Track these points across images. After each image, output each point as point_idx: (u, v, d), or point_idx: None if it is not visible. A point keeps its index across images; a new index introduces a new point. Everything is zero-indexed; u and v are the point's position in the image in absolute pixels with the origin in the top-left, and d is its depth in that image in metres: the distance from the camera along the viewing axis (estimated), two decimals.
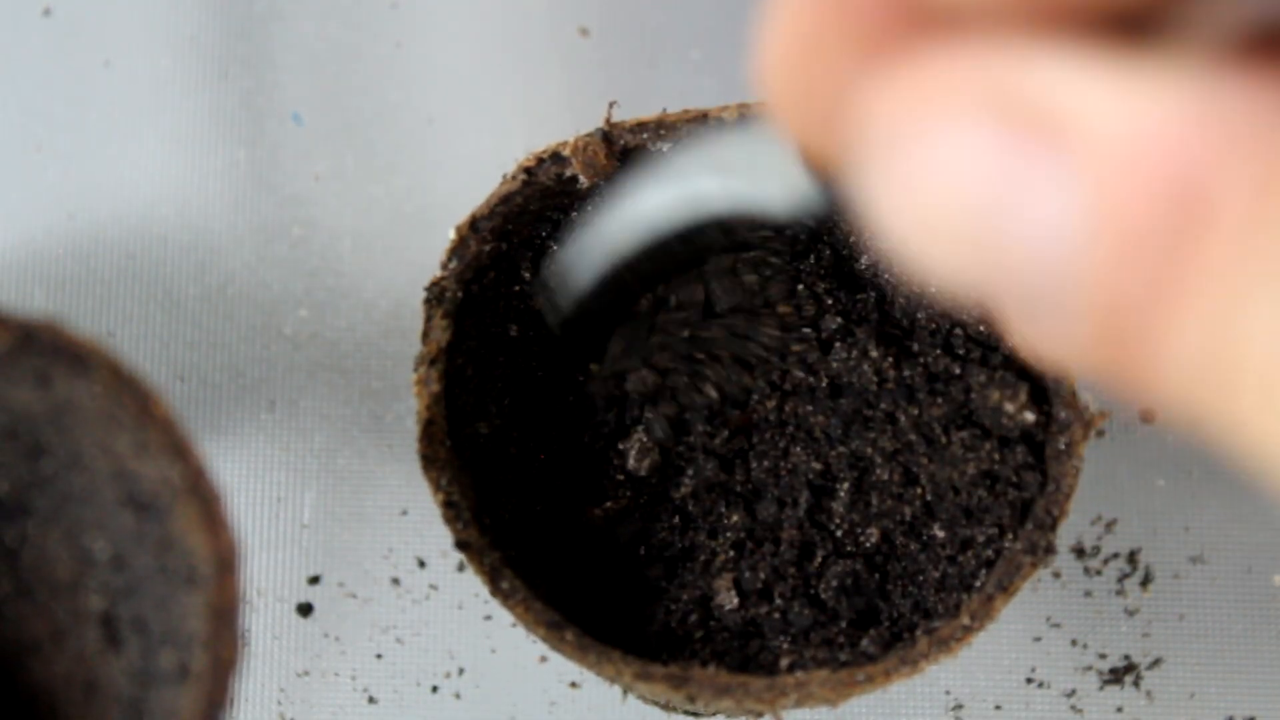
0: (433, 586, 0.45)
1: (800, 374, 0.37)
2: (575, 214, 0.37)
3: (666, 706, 0.38)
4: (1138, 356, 0.14)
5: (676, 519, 0.37)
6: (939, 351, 0.36)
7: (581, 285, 0.28)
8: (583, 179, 0.36)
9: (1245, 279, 0.13)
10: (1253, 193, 0.13)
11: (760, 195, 0.22)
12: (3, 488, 0.31)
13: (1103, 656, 0.44)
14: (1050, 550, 0.34)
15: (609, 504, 0.37)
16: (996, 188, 0.14)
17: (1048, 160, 0.13)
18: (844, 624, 0.35)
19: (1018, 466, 0.35)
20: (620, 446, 0.37)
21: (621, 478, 0.37)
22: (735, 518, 0.37)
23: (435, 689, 0.44)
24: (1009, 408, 0.35)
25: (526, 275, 0.38)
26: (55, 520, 0.30)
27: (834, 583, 0.35)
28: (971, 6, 0.14)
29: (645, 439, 0.37)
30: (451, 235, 0.36)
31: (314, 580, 0.45)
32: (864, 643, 0.34)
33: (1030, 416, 0.35)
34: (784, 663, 0.34)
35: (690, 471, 0.37)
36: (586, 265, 0.28)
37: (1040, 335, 0.14)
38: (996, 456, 0.35)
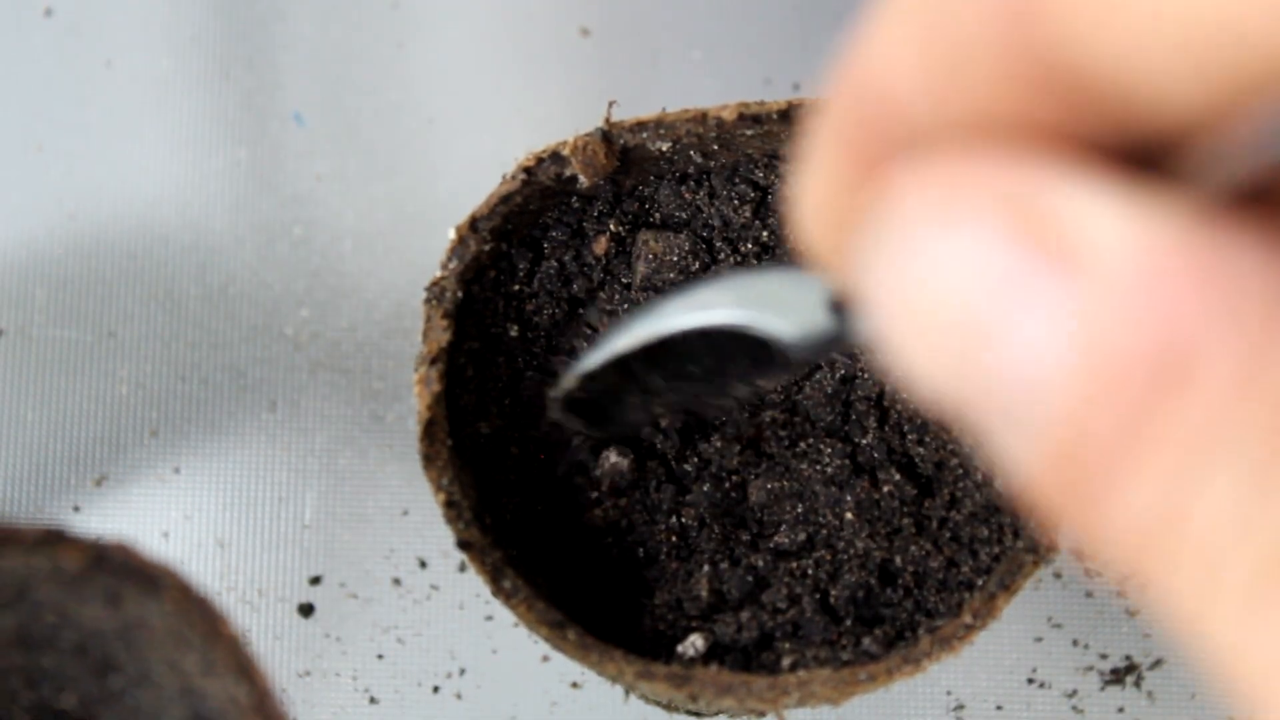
0: (434, 587, 0.45)
1: (807, 389, 0.37)
2: (574, 213, 0.37)
3: (668, 706, 0.38)
4: (1089, 499, 0.13)
5: (676, 520, 0.37)
6: None
7: (583, 373, 0.29)
8: (582, 179, 0.36)
9: (1209, 449, 0.12)
10: (1236, 366, 0.12)
11: (774, 323, 0.23)
12: (71, 702, 0.31)
13: (1104, 657, 0.44)
14: (1053, 549, 0.34)
15: (609, 504, 0.37)
16: (993, 291, 0.13)
17: (1048, 278, 0.13)
18: (847, 623, 0.35)
19: None
20: (593, 469, 0.37)
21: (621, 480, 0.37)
22: (737, 519, 0.37)
23: (436, 689, 0.44)
24: None
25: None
26: None
27: (845, 593, 0.35)
28: (963, 126, 0.14)
29: (614, 458, 0.37)
30: (451, 235, 0.36)
31: (315, 580, 0.45)
32: (866, 642, 0.34)
33: None
34: (786, 662, 0.34)
35: (694, 475, 0.37)
36: (592, 359, 0.29)
37: (1003, 452, 0.14)
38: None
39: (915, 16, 0.14)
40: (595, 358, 0.29)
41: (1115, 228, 0.13)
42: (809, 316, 0.22)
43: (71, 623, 0.30)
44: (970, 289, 0.13)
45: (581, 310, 0.38)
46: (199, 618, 0.29)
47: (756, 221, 0.37)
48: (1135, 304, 0.13)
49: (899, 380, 0.15)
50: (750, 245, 0.37)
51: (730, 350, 0.26)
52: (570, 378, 0.30)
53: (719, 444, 0.37)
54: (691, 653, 0.35)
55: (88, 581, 0.29)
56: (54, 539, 0.29)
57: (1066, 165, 0.14)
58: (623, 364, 0.28)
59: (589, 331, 0.38)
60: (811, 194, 0.16)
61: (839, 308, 0.21)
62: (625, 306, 0.38)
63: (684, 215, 0.38)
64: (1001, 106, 0.14)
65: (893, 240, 0.14)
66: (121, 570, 0.29)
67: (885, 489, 0.36)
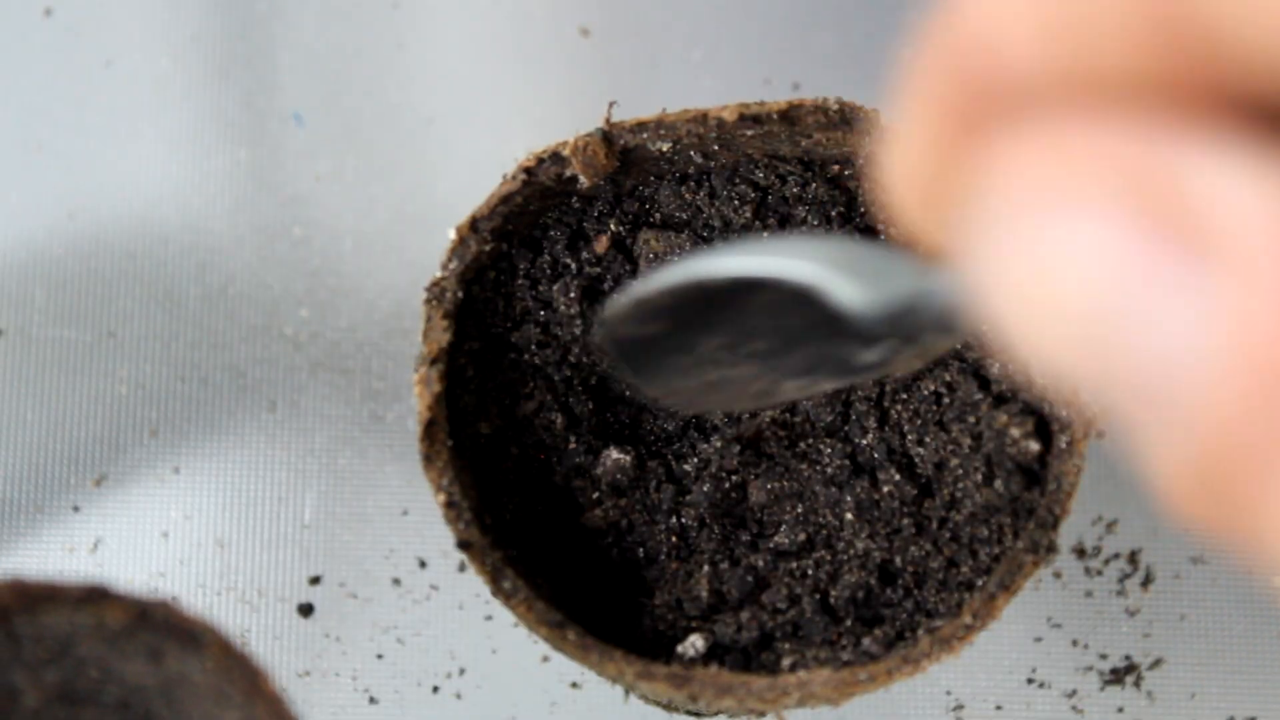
0: (434, 586, 0.45)
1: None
2: (576, 213, 0.37)
3: (668, 706, 0.38)
4: (1242, 499, 0.12)
5: (676, 520, 0.37)
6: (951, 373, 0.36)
7: (636, 299, 0.27)
8: (583, 179, 0.36)
9: None
10: None
11: (844, 286, 0.21)
12: None
13: (1104, 657, 0.44)
14: (1052, 549, 0.34)
15: (609, 504, 0.37)
16: (1126, 283, 0.12)
17: (1190, 266, 0.12)
18: (847, 624, 0.35)
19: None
20: (594, 468, 0.37)
21: (621, 480, 0.37)
22: (737, 519, 0.37)
23: (436, 689, 0.44)
24: (1014, 433, 0.35)
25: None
26: None
27: (845, 593, 0.35)
28: (1079, 86, 0.13)
29: (615, 455, 0.37)
30: (452, 235, 0.36)
31: (315, 580, 0.45)
32: (866, 642, 0.34)
33: (1035, 446, 0.35)
34: (786, 662, 0.34)
35: (694, 475, 0.37)
36: (647, 285, 0.26)
37: (1145, 443, 0.13)
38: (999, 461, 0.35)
39: None
40: (650, 284, 0.26)
41: (1254, 203, 0.12)
42: (884, 286, 0.20)
43: (114, 678, 0.31)
44: (1101, 279, 0.12)
45: (582, 310, 0.38)
46: (240, 674, 0.29)
47: (757, 222, 0.37)
48: None
49: (1017, 359, 0.14)
50: None
51: (792, 326, 0.24)
52: (621, 301, 0.28)
53: (719, 444, 0.37)
54: (691, 653, 0.35)
55: (130, 638, 0.30)
56: (98, 596, 0.29)
57: (1197, 131, 0.12)
58: (677, 311, 0.26)
59: (593, 331, 0.38)
60: (905, 159, 0.15)
61: (922, 285, 0.19)
62: None
63: (684, 216, 0.38)
64: (1124, 62, 0.13)
65: (1007, 221, 0.13)
66: (163, 627, 0.30)
67: (885, 489, 0.36)
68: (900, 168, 0.15)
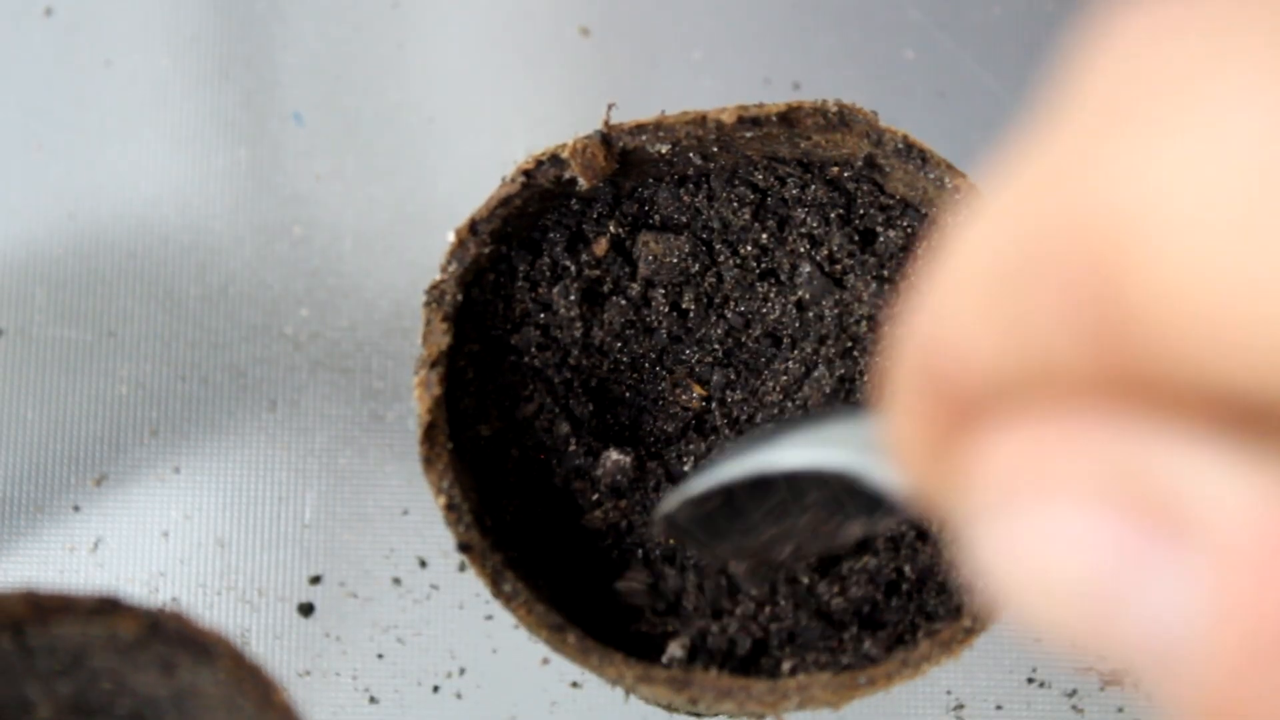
0: (434, 586, 0.45)
1: (806, 388, 0.37)
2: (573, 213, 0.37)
3: (669, 708, 0.38)
4: None
5: None
6: None
7: (689, 497, 0.29)
8: (582, 181, 0.36)
9: None
10: None
11: (886, 472, 0.22)
12: None
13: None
14: None
15: (609, 506, 0.37)
16: (1114, 568, 0.13)
17: (1171, 552, 0.13)
18: (849, 629, 0.35)
19: None
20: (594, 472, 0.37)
21: (620, 481, 0.37)
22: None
23: (436, 689, 0.45)
24: None
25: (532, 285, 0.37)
26: None
27: (850, 598, 0.35)
28: (1046, 386, 0.14)
29: (616, 456, 0.37)
30: (451, 237, 0.36)
31: (315, 580, 0.45)
32: (866, 645, 0.34)
33: None
34: (786, 666, 0.34)
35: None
36: (698, 483, 0.28)
37: (1159, 693, 0.14)
38: None
39: (981, 291, 0.14)
40: (701, 482, 0.28)
41: (1222, 488, 0.13)
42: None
43: (127, 690, 0.31)
44: (1086, 562, 0.13)
45: (582, 313, 0.38)
46: (251, 685, 0.30)
47: (756, 224, 0.37)
48: (1264, 576, 0.12)
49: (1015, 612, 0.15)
50: (750, 248, 0.37)
51: (836, 497, 0.26)
52: (675, 499, 0.30)
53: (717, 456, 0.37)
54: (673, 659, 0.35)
55: (143, 649, 0.30)
56: (109, 607, 0.29)
57: (1159, 420, 0.13)
58: (728, 492, 0.28)
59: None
60: (902, 430, 0.16)
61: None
62: (629, 309, 0.38)
63: (683, 218, 0.38)
64: (1072, 361, 0.13)
65: (996, 514, 0.14)
66: (175, 638, 0.30)
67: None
68: (899, 434, 0.16)
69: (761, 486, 0.27)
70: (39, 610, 0.29)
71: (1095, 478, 0.13)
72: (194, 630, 0.29)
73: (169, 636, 0.30)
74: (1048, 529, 0.13)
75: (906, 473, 0.16)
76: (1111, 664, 0.14)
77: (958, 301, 0.14)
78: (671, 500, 0.30)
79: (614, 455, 0.37)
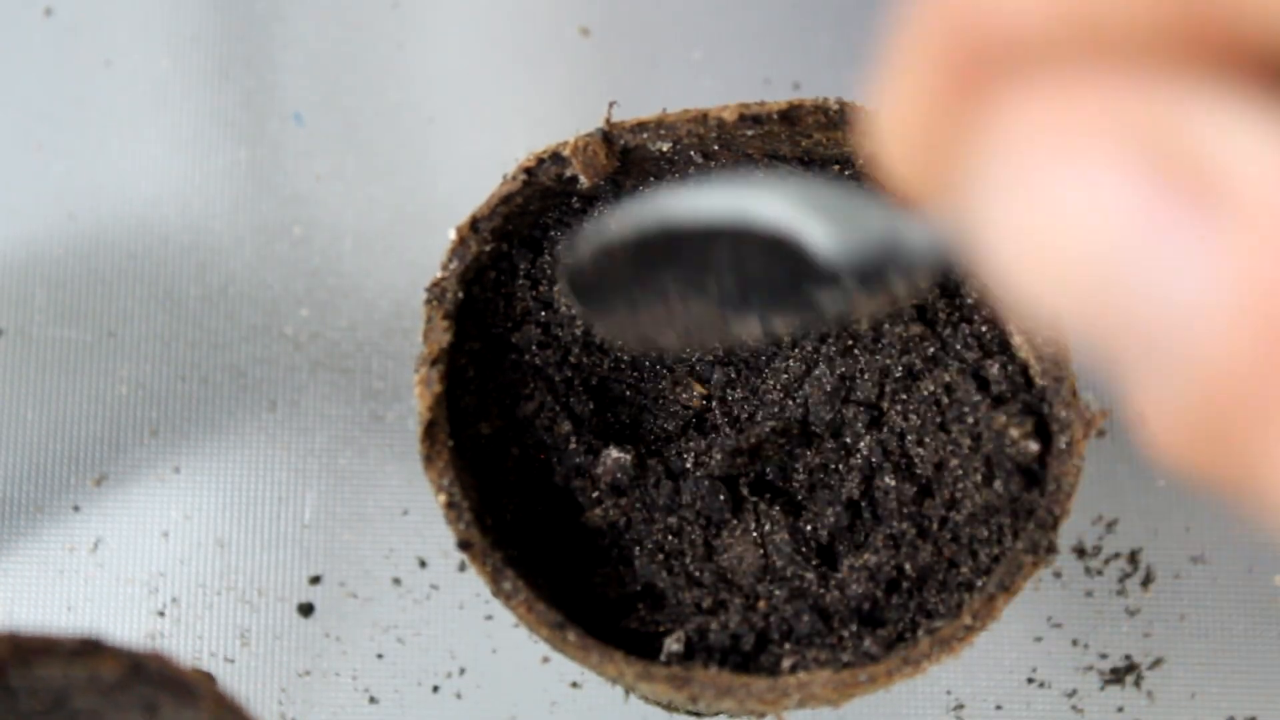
0: (434, 586, 0.45)
1: (807, 386, 0.37)
2: (587, 216, 0.37)
3: (669, 707, 0.38)
4: (1241, 446, 0.12)
5: (675, 520, 0.37)
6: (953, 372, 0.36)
7: (600, 243, 0.27)
8: (583, 179, 0.36)
9: None
10: None
11: (817, 229, 0.21)
12: None
13: (1104, 656, 0.44)
14: (1052, 549, 0.34)
15: (609, 504, 0.37)
16: (1134, 234, 0.12)
17: (1198, 218, 0.12)
18: (850, 627, 0.35)
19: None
20: (594, 468, 0.37)
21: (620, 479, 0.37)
22: (739, 523, 0.37)
23: (436, 689, 0.44)
24: (1014, 434, 0.35)
25: (527, 268, 0.37)
26: None
27: (850, 596, 0.35)
28: (1082, 41, 0.13)
29: (616, 454, 0.37)
30: (452, 235, 0.36)
31: (315, 580, 0.45)
32: (866, 643, 0.34)
33: (1034, 447, 0.34)
34: (786, 664, 0.34)
35: (692, 480, 0.37)
36: (611, 227, 0.26)
37: (1143, 394, 0.13)
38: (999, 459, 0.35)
39: None
40: (614, 226, 0.26)
41: (1257, 154, 0.12)
42: (858, 229, 0.20)
43: None
44: (1105, 227, 0.12)
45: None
46: None
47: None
48: None
49: (1009, 304, 0.14)
50: None
51: (758, 266, 0.23)
52: (585, 243, 0.27)
53: (718, 456, 0.37)
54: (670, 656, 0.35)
55: (125, 690, 0.30)
56: (91, 649, 0.29)
57: (1199, 83, 0.12)
58: (641, 248, 0.25)
59: (596, 338, 0.38)
60: (898, 114, 0.15)
61: (898, 228, 0.19)
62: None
63: None
64: (1128, 16, 0.13)
65: (1011, 171, 0.13)
66: (158, 679, 0.29)
67: (884, 490, 0.36)
68: (893, 125, 0.15)
69: (677, 246, 0.25)
70: (20, 651, 0.29)
71: (1124, 137, 0.12)
72: (176, 671, 0.29)
73: (151, 677, 0.29)
74: (1065, 190, 0.13)
75: (895, 159, 0.15)
76: (1109, 348, 0.13)
77: None
78: (581, 243, 0.27)
79: (614, 453, 0.37)
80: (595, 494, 0.37)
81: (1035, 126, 0.13)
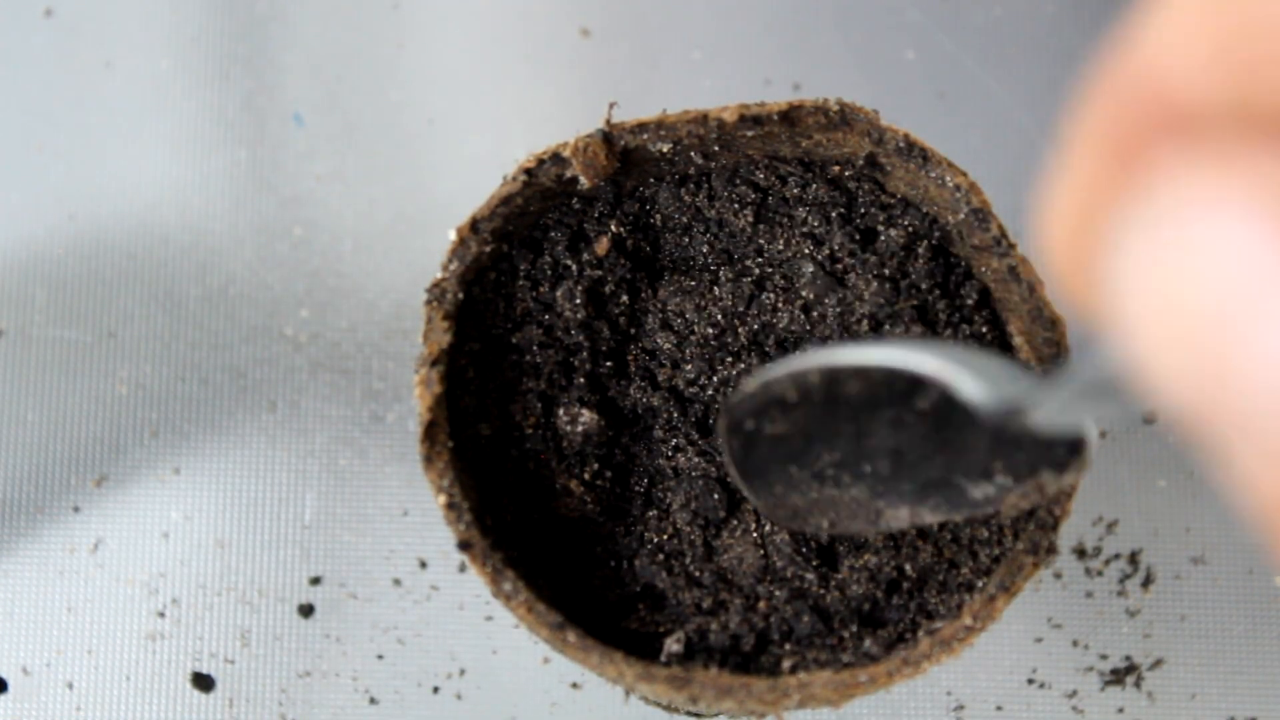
0: (434, 587, 0.45)
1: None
2: (575, 214, 0.37)
3: (669, 707, 0.38)
4: None
5: (675, 520, 0.37)
6: None
7: (764, 382, 0.28)
8: (583, 180, 0.36)
9: None
10: None
11: (969, 381, 0.22)
12: None
13: (1104, 657, 0.44)
14: (1052, 550, 0.34)
15: (589, 491, 0.37)
16: (1247, 282, 0.12)
17: None
18: (849, 627, 0.35)
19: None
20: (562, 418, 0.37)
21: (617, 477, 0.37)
22: (738, 523, 0.37)
23: (436, 690, 0.44)
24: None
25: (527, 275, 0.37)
26: None
27: (850, 596, 0.35)
28: (1251, 118, 0.13)
29: (585, 415, 0.37)
30: (452, 236, 0.36)
31: (315, 581, 0.45)
32: (866, 644, 0.34)
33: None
34: (786, 664, 0.34)
35: (689, 483, 0.37)
36: (775, 369, 0.28)
37: (1244, 467, 0.13)
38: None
39: (1207, 6, 0.13)
40: (777, 368, 0.27)
41: None
42: (1003, 381, 0.22)
43: None
44: (1224, 275, 0.12)
45: (588, 316, 0.38)
46: None
47: (760, 226, 0.37)
48: None
49: (1146, 388, 0.14)
50: (754, 255, 0.37)
51: (916, 447, 0.25)
52: (747, 387, 0.29)
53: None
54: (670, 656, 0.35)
55: None
56: None
57: None
58: (800, 409, 0.27)
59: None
60: (1065, 199, 0.15)
61: (1036, 386, 0.20)
62: (634, 314, 0.37)
63: (684, 218, 0.38)
64: None
65: (1153, 214, 0.13)
66: None
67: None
68: (1058, 208, 0.15)
69: (834, 413, 0.26)
70: None
71: (1252, 193, 0.12)
72: None
73: None
74: (1194, 230, 0.13)
75: (1060, 241, 0.15)
76: (1209, 406, 0.13)
77: (1178, 22, 0.13)
78: (742, 391, 0.29)
79: (584, 415, 0.37)
80: (578, 483, 0.37)
81: (1182, 178, 0.13)
